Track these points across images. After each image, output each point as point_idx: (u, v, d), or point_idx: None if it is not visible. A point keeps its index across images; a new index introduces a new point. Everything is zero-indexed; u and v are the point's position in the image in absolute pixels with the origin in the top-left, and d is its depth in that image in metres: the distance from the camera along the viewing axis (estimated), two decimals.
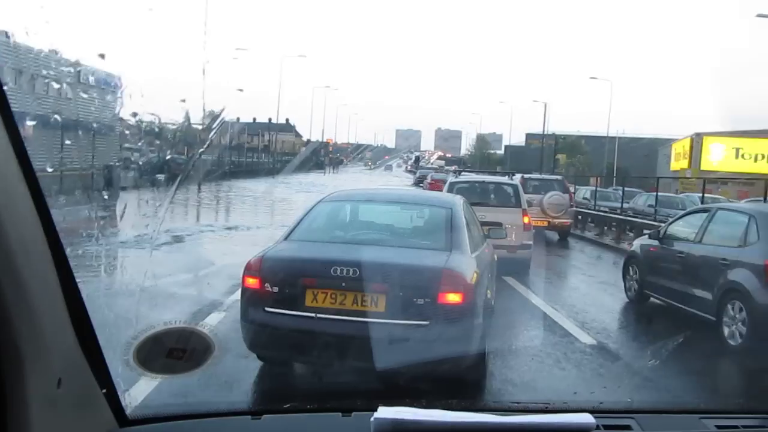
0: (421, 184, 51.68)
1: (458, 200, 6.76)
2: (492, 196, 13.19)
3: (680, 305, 8.61)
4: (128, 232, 10.24)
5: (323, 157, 75.64)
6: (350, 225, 6.42)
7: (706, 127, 55.42)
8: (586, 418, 1.45)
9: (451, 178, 15.37)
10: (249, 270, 5.14)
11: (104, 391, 1.21)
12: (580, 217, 22.49)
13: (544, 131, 55.73)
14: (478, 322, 5.09)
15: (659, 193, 23.34)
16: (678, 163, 48.04)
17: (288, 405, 1.63)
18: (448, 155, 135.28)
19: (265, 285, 4.99)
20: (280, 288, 4.97)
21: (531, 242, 11.84)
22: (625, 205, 23.89)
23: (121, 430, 1.30)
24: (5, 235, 0.81)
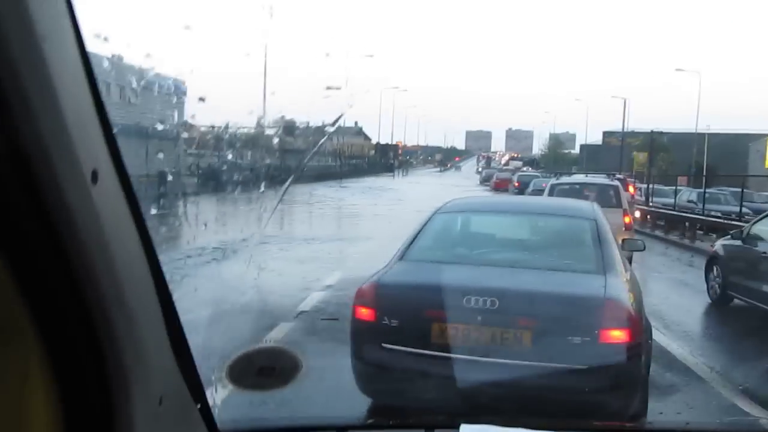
0: (487, 183, 52.72)
1: (597, 209, 5.81)
2: (593, 196, 13.08)
3: (765, 306, 8.42)
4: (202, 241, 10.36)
5: (392, 159, 75.89)
6: (475, 241, 5.52)
7: None
8: None
9: (552, 180, 15.77)
10: (361, 299, 4.45)
11: (198, 406, 1.26)
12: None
13: (623, 128, 53.93)
14: (645, 364, 4.34)
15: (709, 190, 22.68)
16: None
17: (372, 421, 1.68)
18: (519, 156, 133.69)
19: (382, 317, 4.27)
20: (400, 321, 4.23)
21: None
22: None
23: None
24: (115, 266, 0.84)
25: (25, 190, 0.71)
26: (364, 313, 4.40)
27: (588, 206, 6.16)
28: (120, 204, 0.89)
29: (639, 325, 4.21)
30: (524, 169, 62.33)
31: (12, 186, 0.70)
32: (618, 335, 4.05)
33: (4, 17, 0.61)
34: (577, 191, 13.69)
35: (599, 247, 4.89)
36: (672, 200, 24.45)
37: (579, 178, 16.71)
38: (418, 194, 33.96)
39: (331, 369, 4.79)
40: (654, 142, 38.33)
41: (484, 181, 58.65)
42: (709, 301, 9.96)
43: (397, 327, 4.22)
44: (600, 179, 15.65)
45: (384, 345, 4.24)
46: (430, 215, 5.52)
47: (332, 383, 4.92)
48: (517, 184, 38.65)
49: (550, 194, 14.09)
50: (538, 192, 27.73)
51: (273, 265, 9.81)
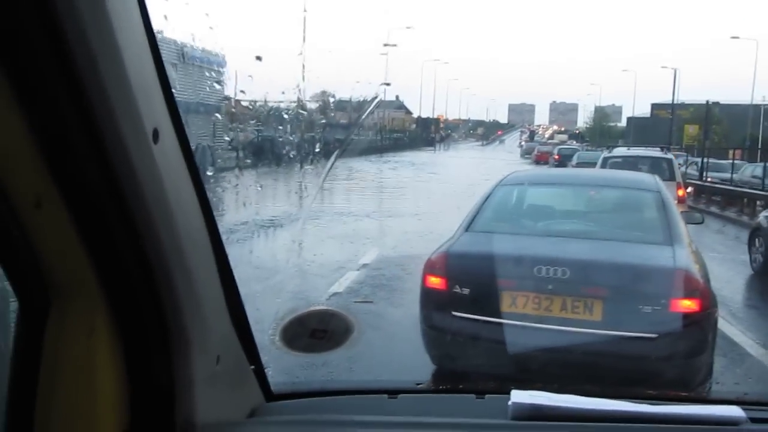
0: (528, 156, 53.26)
1: (659, 181, 5.86)
2: (647, 169, 13.20)
3: None
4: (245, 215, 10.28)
5: (434, 133, 75.37)
6: (539, 213, 5.58)
7: None
8: (736, 411, 1.36)
9: (604, 153, 16.04)
10: (431, 268, 4.55)
11: (253, 367, 1.30)
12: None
13: (673, 100, 52.31)
14: (713, 335, 4.40)
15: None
16: None
17: (422, 385, 1.68)
18: (563, 129, 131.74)
19: (453, 285, 4.37)
20: (471, 289, 4.33)
21: None
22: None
23: (267, 404, 1.40)
24: (175, 225, 0.85)
25: (92, 148, 0.72)
26: (435, 282, 4.49)
27: (650, 178, 6.20)
28: (179, 163, 0.90)
29: (708, 295, 4.27)
30: (569, 142, 62.03)
31: (79, 144, 0.72)
32: (688, 304, 4.10)
33: None
34: (630, 164, 13.86)
35: (665, 219, 4.95)
36: (728, 175, 23.70)
37: (632, 150, 16.93)
38: (458, 169, 33.72)
39: (385, 333, 4.92)
40: (706, 115, 36.92)
41: (525, 154, 59.58)
42: (752, 272, 10.12)
43: (467, 295, 4.31)
44: (653, 152, 15.72)
45: (455, 313, 4.34)
46: (492, 187, 5.57)
47: (385, 348, 5.00)
48: (557, 157, 39.22)
49: (603, 166, 14.52)
50: (585, 165, 27.59)
51: (308, 242, 9.63)
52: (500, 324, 4.20)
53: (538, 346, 4.06)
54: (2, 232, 0.77)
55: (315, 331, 1.61)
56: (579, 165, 28.76)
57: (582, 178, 6.92)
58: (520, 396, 1.37)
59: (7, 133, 0.69)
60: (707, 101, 38.32)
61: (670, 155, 15.12)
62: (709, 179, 24.37)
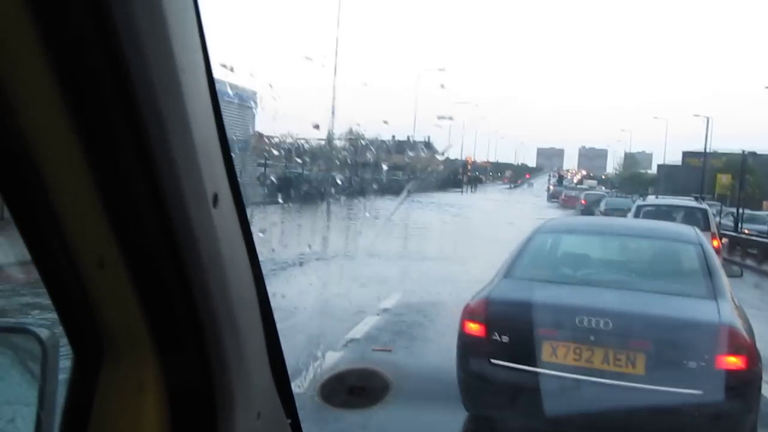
0: (555, 200, 54.30)
1: (699, 233, 5.82)
2: (681, 219, 13.42)
3: None
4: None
5: (461, 175, 75.40)
6: (579, 262, 5.52)
7: None
8: None
9: (639, 202, 16.60)
10: (471, 314, 4.52)
11: (290, 421, 1.29)
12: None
13: (705, 148, 51.82)
14: (758, 393, 4.26)
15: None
16: None
17: None
18: (591, 174, 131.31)
19: (492, 333, 4.33)
20: (511, 337, 4.30)
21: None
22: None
23: None
24: (228, 286, 0.88)
25: (154, 211, 0.75)
26: (474, 328, 4.45)
27: (690, 230, 6.13)
28: (235, 227, 0.94)
29: (754, 353, 4.17)
30: (598, 188, 62.89)
31: (142, 207, 0.74)
32: (734, 362, 4.03)
33: (146, 52, 0.65)
34: (664, 213, 14.05)
35: (707, 272, 4.86)
36: (766, 227, 23.19)
37: (666, 199, 17.52)
38: (484, 212, 33.52)
39: (424, 393, 4.76)
40: (741, 164, 36.39)
41: (552, 198, 60.81)
42: None
43: (507, 343, 4.28)
44: (687, 201, 15.99)
45: (493, 360, 4.30)
46: (531, 234, 5.58)
47: (424, 406, 4.84)
48: (583, 202, 40.43)
49: (636, 215, 14.74)
50: (614, 211, 27.54)
51: (329, 284, 9.40)
52: (540, 374, 4.13)
53: (578, 398, 4.03)
54: (64, 288, 0.80)
55: (353, 388, 1.66)
56: (607, 212, 28.67)
57: (620, 228, 6.83)
58: None
59: (75, 195, 0.71)
60: (743, 151, 37.90)
61: (704, 205, 15.15)
62: (745, 230, 23.82)
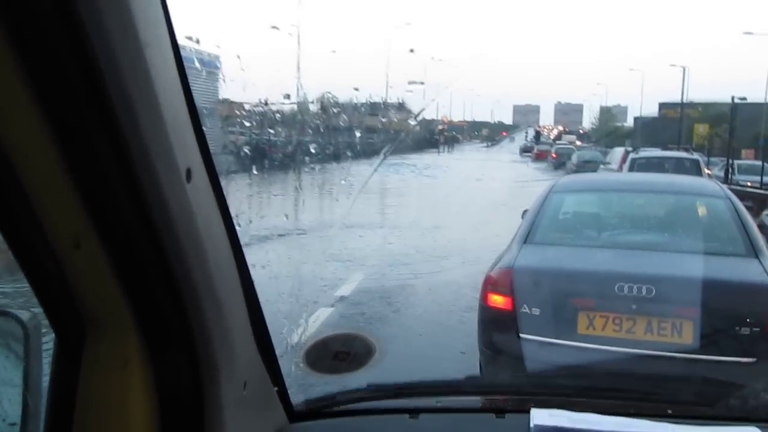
0: (527, 154, 60.51)
1: (724, 186, 5.55)
2: (673, 169, 13.94)
3: None
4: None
5: (438, 135, 75.28)
6: (603, 222, 5.16)
7: None
8: (754, 431, 1.39)
9: (632, 155, 16.92)
10: (493, 285, 4.17)
11: (276, 389, 1.34)
12: None
13: (682, 99, 52.21)
14: None
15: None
16: None
17: (442, 405, 1.72)
18: (568, 130, 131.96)
19: (520, 305, 4.00)
20: (542, 309, 3.98)
21: None
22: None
23: (290, 425, 1.44)
24: (206, 259, 0.89)
25: (128, 188, 0.76)
26: (498, 300, 4.12)
27: (714, 184, 5.83)
28: (210, 201, 0.95)
29: None
30: (578, 143, 65.84)
31: (116, 185, 0.75)
32: None
33: (109, 27, 0.65)
34: (658, 164, 14.60)
35: (743, 228, 4.62)
36: (757, 177, 22.28)
37: (660, 152, 18.28)
38: (460, 172, 33.64)
39: (407, 354, 4.78)
40: (732, 111, 36.54)
41: (523, 152, 64.83)
42: None
43: (538, 316, 3.97)
44: (680, 153, 17.10)
45: (523, 335, 3.99)
46: (545, 195, 5.19)
47: (405, 367, 4.76)
48: (554, 156, 43.06)
49: (631, 168, 15.28)
50: (585, 163, 29.60)
51: (275, 265, 7.66)
52: (576, 348, 3.86)
53: (621, 371, 3.77)
54: (41, 271, 0.82)
55: (338, 353, 1.70)
56: (579, 164, 31.58)
57: (640, 184, 6.36)
58: (540, 416, 1.41)
59: (47, 177, 0.72)
60: (732, 97, 37.95)
61: (696, 156, 16.13)
62: (748, 183, 22.60)
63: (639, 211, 5.36)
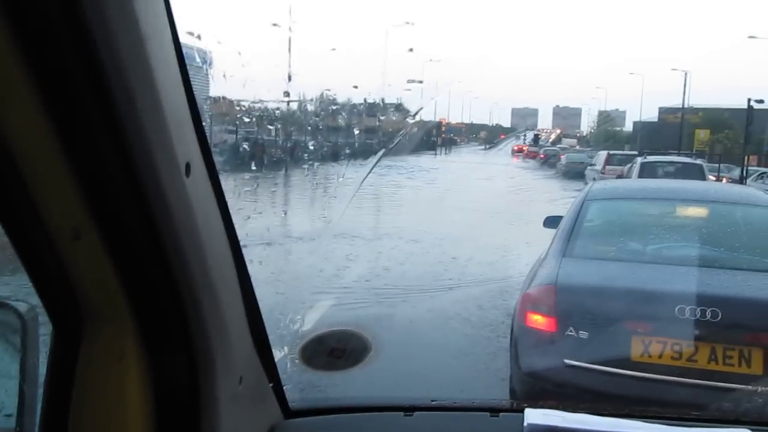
0: (519, 153, 66.41)
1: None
2: (679, 173, 14.65)
3: None
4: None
5: (435, 137, 75.36)
6: (649, 234, 4.66)
7: None
8: None
9: (641, 159, 17.70)
10: (534, 304, 3.84)
11: (272, 385, 1.35)
12: None
13: (683, 104, 52.30)
14: None
15: None
16: None
17: (437, 402, 1.74)
18: (564, 132, 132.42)
19: (566, 327, 3.65)
20: (590, 332, 3.61)
21: None
22: None
23: (285, 422, 1.46)
24: (204, 254, 0.91)
25: (127, 182, 0.76)
26: (539, 321, 3.78)
27: (755, 191, 5.51)
28: (209, 196, 0.97)
29: None
30: (577, 147, 70.59)
31: (116, 178, 0.76)
32: None
33: (111, 20, 0.65)
34: (665, 168, 15.48)
35: None
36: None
37: (666, 157, 19.50)
38: (455, 175, 33.78)
39: (401, 353, 4.75)
40: (748, 113, 36.39)
41: (515, 152, 72.12)
42: None
43: (586, 340, 3.62)
44: (685, 158, 18.24)
45: (568, 361, 3.64)
46: (581, 202, 4.85)
47: (401, 365, 4.85)
48: (542, 156, 48.69)
49: (641, 172, 15.85)
50: (574, 165, 34.05)
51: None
52: (630, 377, 3.51)
53: (681, 403, 3.38)
54: (39, 262, 0.83)
55: (334, 349, 1.72)
56: (568, 165, 35.54)
57: (681, 192, 5.72)
58: (534, 415, 1.43)
59: (47, 169, 0.73)
60: (749, 100, 37.31)
61: (700, 161, 16.96)
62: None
63: (687, 222, 4.88)
